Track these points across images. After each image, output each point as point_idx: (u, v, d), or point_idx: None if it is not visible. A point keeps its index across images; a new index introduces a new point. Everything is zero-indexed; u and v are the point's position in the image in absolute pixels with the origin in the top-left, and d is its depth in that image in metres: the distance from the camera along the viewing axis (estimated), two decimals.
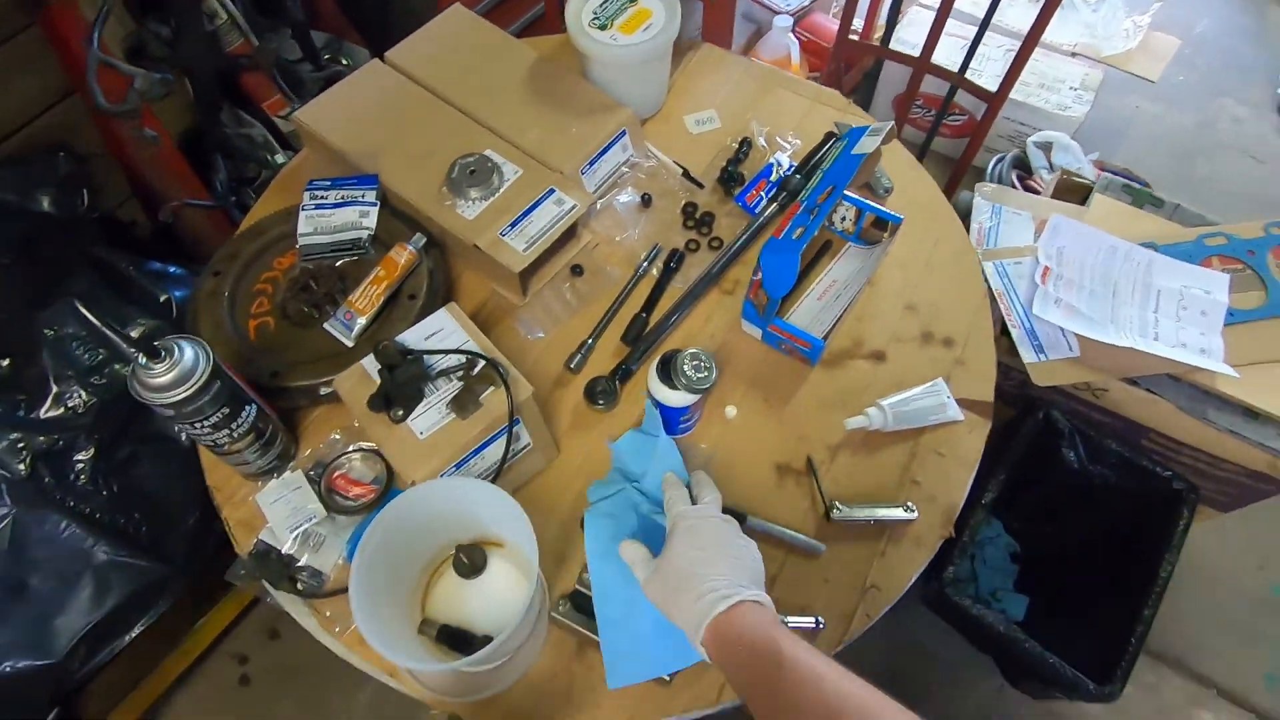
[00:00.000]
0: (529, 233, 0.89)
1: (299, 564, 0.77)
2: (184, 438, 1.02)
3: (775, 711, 0.50)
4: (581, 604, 0.72)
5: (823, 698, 0.48)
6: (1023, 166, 1.68)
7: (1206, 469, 1.07)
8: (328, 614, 0.74)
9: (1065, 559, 1.24)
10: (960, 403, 0.83)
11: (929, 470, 0.80)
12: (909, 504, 0.76)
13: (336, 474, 0.81)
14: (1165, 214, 1.21)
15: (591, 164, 0.98)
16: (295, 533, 0.77)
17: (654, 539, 0.69)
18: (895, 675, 1.32)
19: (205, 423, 0.68)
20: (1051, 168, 1.59)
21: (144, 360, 0.63)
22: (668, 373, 0.74)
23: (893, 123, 0.84)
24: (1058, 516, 1.23)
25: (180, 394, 0.64)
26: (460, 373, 0.75)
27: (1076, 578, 1.20)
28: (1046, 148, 1.66)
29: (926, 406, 0.82)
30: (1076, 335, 1.05)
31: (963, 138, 1.85)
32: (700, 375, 0.73)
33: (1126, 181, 1.27)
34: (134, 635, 0.97)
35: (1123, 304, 1.07)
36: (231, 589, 1.34)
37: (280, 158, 1.19)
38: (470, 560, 0.72)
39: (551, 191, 0.91)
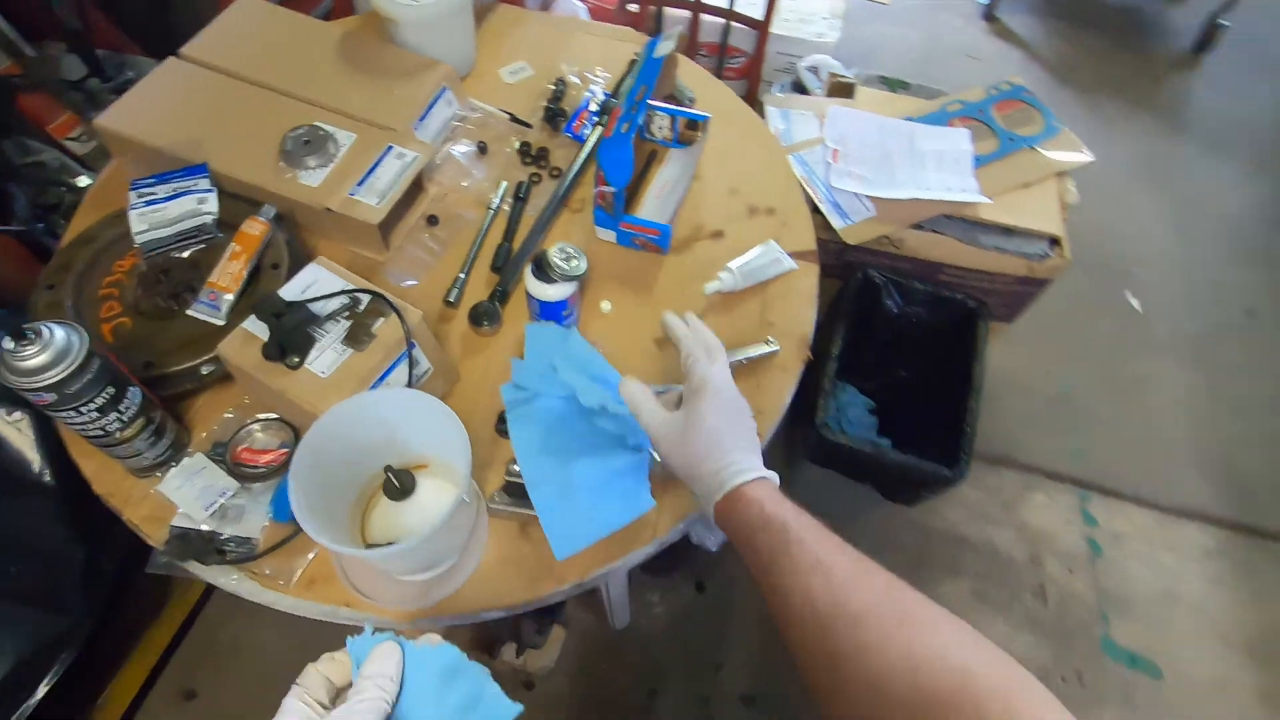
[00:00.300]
0: (378, 187, 0.92)
1: (223, 537, 0.76)
2: (39, 471, 0.94)
3: (771, 573, 0.53)
4: (514, 490, 0.78)
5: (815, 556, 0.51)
6: (799, 89, 1.91)
7: (988, 286, 1.32)
8: (267, 572, 0.74)
9: (907, 395, 1.46)
10: (791, 255, 0.97)
11: (779, 312, 0.94)
12: (769, 339, 0.89)
13: (240, 448, 0.80)
14: (913, 94, 1.46)
15: (422, 119, 1.02)
16: (211, 509, 0.77)
17: (585, 430, 0.77)
18: None
19: (91, 406, 0.67)
20: (822, 84, 1.83)
21: (11, 345, 0.61)
22: (542, 270, 0.81)
23: (680, 27, 0.97)
24: (893, 360, 1.45)
25: (59, 374, 0.62)
26: (347, 313, 0.78)
27: (918, 407, 1.42)
28: (815, 70, 1.90)
29: (765, 263, 0.95)
30: (870, 198, 1.25)
31: (744, 78, 2.07)
32: (572, 263, 0.81)
33: (880, 75, 1.51)
34: (39, 698, 0.89)
35: (898, 167, 1.29)
36: (135, 648, 1.25)
37: (84, 179, 1.12)
38: (400, 481, 0.76)
39: (391, 148, 0.95)
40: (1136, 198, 2.09)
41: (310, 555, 0.75)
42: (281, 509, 0.77)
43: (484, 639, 1.22)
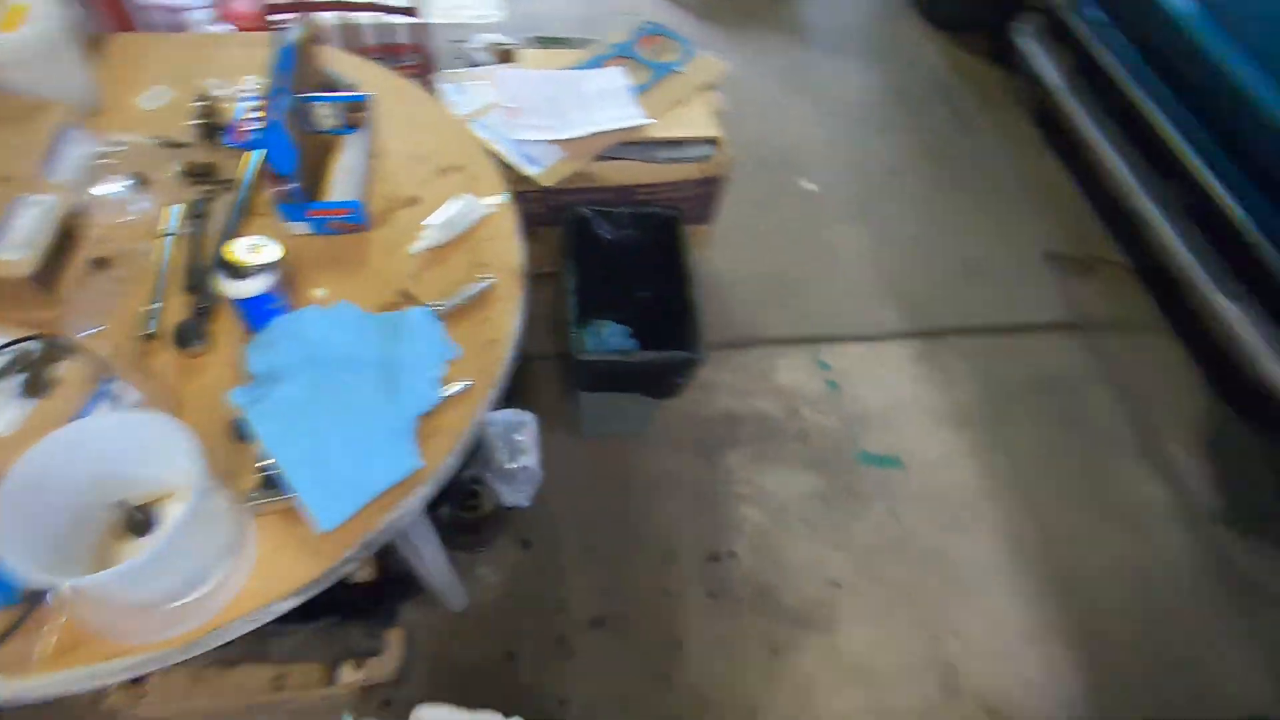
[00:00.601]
0: (18, 240, 0.85)
1: None
2: None
3: None
4: (270, 483, 0.78)
5: None
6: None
7: (676, 194, 1.51)
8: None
9: (651, 311, 1.62)
10: (487, 201, 1.05)
11: (489, 252, 1.01)
12: (483, 276, 0.96)
13: None
14: (568, 48, 1.61)
15: (50, 163, 0.94)
16: None
17: (335, 403, 0.80)
18: (598, 471, 1.60)
19: None
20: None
21: None
22: (231, 268, 0.81)
23: (309, 16, 0.99)
24: (630, 284, 1.60)
25: None
26: (18, 367, 0.72)
27: (663, 318, 1.59)
28: (485, 49, 1.99)
29: (464, 212, 1.02)
30: (553, 142, 1.37)
31: (422, 73, 2.11)
32: (261, 252, 0.81)
33: (538, 35, 1.64)
34: None
35: (570, 109, 1.42)
36: None
37: None
38: (140, 511, 0.72)
39: (21, 198, 0.87)
40: (787, 102, 2.48)
41: (57, 622, 0.69)
42: (3, 592, 0.69)
43: (317, 671, 1.18)
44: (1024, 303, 2.02)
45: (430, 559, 1.19)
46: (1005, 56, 2.57)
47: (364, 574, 1.24)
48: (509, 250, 1.02)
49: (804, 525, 1.58)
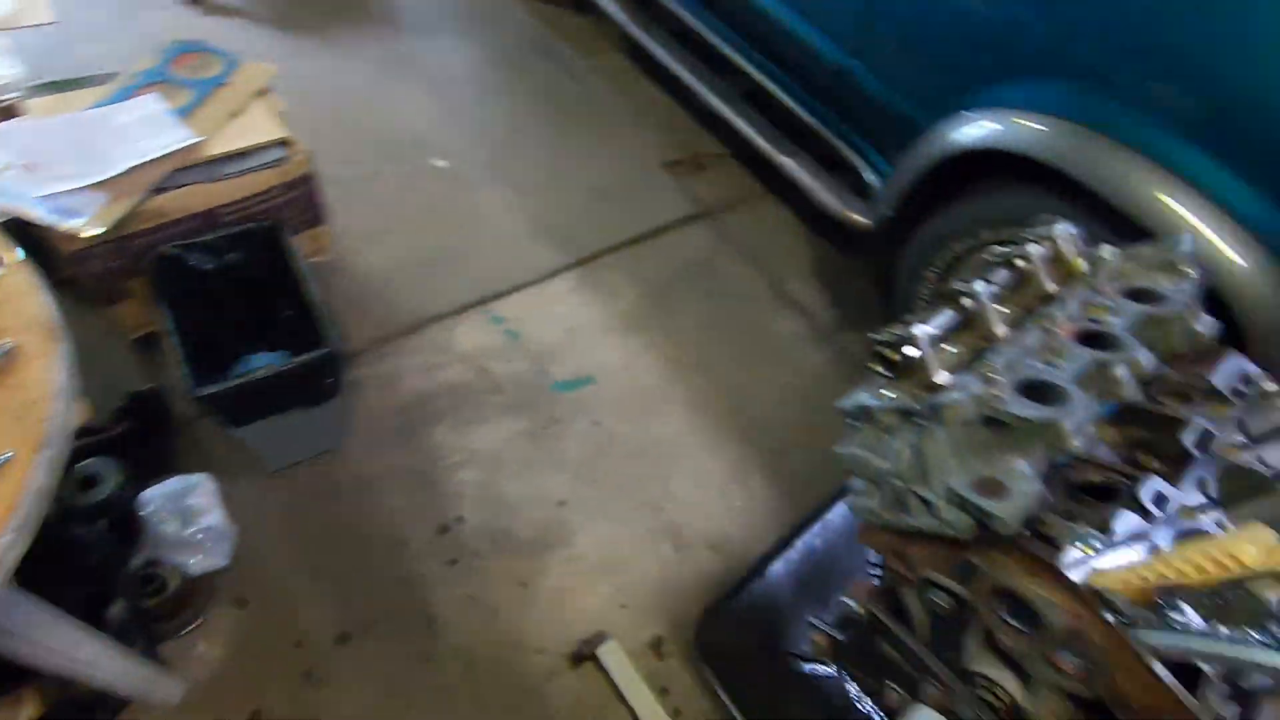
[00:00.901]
0: None
1: None
2: None
3: None
4: None
5: None
6: None
7: (267, 204, 1.47)
8: None
9: (296, 326, 1.58)
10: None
11: (5, 316, 0.92)
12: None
13: None
14: (87, 85, 1.47)
15: None
16: None
17: None
18: (301, 499, 1.55)
19: None
20: None
21: None
22: None
23: None
24: (265, 306, 1.54)
25: None
26: None
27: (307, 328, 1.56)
28: None
29: None
30: (90, 188, 1.26)
31: None
32: None
33: (48, 81, 1.48)
34: None
35: (105, 149, 1.32)
36: None
37: None
38: None
39: None
40: (397, 90, 2.50)
41: None
42: None
43: None
44: (655, 209, 2.28)
45: (96, 666, 1.08)
46: (586, 6, 2.81)
47: (27, 713, 1.09)
48: (32, 308, 0.94)
49: (520, 465, 1.68)
